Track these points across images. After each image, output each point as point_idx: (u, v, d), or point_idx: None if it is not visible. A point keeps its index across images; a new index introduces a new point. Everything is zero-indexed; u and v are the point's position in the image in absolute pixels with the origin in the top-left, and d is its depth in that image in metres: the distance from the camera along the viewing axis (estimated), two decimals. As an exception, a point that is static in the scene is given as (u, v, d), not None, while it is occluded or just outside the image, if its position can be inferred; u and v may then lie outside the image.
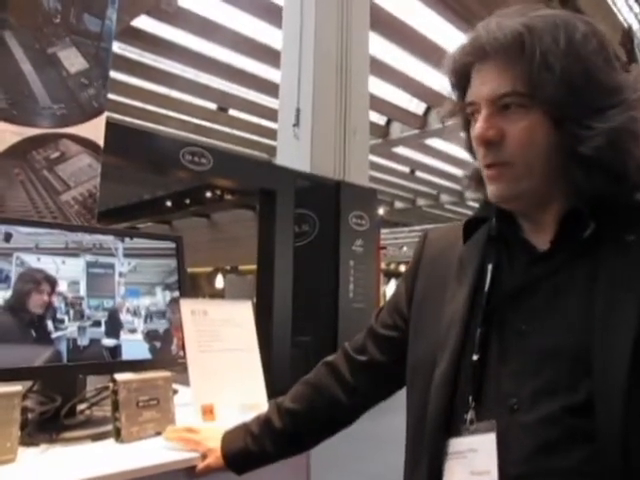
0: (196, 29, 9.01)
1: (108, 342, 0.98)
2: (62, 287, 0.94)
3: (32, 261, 0.92)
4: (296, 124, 6.79)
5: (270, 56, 9.10)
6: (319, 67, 6.84)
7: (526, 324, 0.60)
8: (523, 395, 0.57)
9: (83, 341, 0.95)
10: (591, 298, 0.56)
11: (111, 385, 0.88)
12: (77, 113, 1.58)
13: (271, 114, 10.03)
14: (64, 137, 1.55)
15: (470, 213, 0.74)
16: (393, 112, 12.24)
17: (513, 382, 0.58)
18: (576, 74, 0.56)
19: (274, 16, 8.10)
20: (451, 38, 8.98)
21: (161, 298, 1.08)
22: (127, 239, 1.06)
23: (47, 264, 0.93)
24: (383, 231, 12.84)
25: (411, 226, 18.51)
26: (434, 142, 13.46)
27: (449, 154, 13.70)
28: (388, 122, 12.99)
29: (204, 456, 0.83)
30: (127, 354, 1.00)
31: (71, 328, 0.94)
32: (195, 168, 5.32)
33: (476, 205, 0.74)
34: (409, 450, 0.69)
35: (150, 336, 1.04)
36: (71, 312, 0.94)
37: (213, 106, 12.16)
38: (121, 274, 1.03)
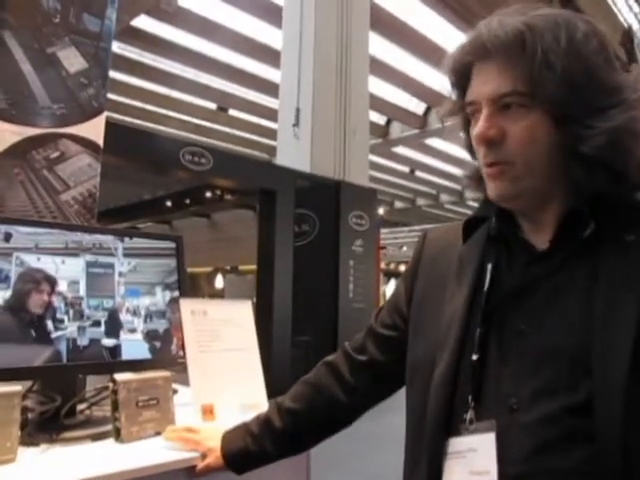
0: (196, 29, 9.01)
1: (108, 342, 0.98)
2: (62, 287, 0.94)
3: (32, 261, 0.92)
4: (296, 124, 6.79)
5: (270, 56, 9.10)
6: (319, 67, 6.84)
7: (526, 324, 0.60)
8: (523, 395, 0.57)
9: (83, 341, 0.95)
10: (591, 298, 0.56)
11: (111, 385, 0.88)
12: (77, 113, 1.58)
13: (271, 114, 10.04)
14: (64, 137, 1.55)
15: (470, 213, 0.74)
16: (393, 112, 12.24)
17: (513, 382, 0.58)
18: (577, 73, 0.56)
19: (274, 16, 8.10)
20: (451, 38, 8.98)
21: (161, 298, 1.07)
22: (127, 239, 1.06)
23: (47, 264, 0.93)
24: (383, 231, 12.84)
25: (411, 226, 18.52)
26: (434, 142, 13.47)
27: (449, 154, 13.70)
28: (388, 122, 13.00)
29: (204, 456, 0.83)
30: (127, 354, 1.00)
31: (71, 328, 0.94)
32: (195, 168, 5.32)
33: (476, 205, 0.74)
34: (409, 450, 0.69)
35: (150, 336, 1.04)
36: (71, 312, 0.94)
37: (213, 106, 12.17)
38: (121, 274, 1.03)
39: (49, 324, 0.91)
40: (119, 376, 0.89)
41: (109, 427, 0.90)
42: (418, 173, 16.32)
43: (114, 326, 0.99)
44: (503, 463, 0.56)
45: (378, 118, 12.38)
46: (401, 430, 0.70)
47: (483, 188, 0.66)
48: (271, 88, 9.56)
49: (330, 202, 6.42)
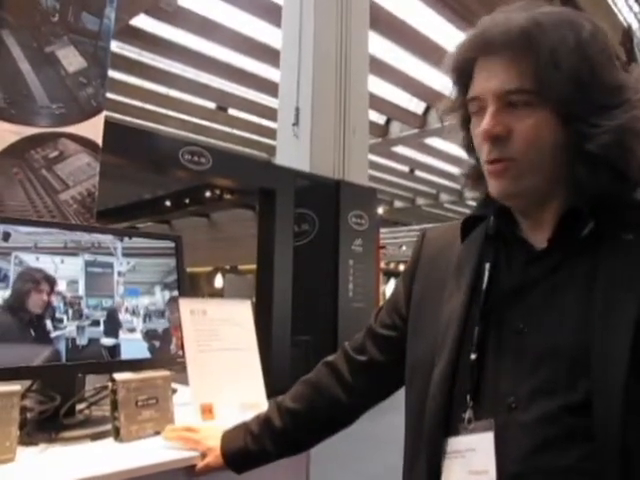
0: (195, 28, 9.00)
1: (107, 341, 0.98)
2: (61, 286, 0.94)
3: (31, 260, 0.91)
4: (295, 123, 6.79)
5: (269, 55, 9.09)
6: (319, 66, 6.84)
7: (524, 323, 0.60)
8: (521, 394, 0.57)
9: (82, 340, 0.95)
10: (590, 297, 0.56)
11: (110, 384, 0.88)
12: (76, 112, 1.58)
13: (271, 113, 10.03)
14: (63, 136, 1.55)
15: (469, 212, 0.74)
16: (393, 111, 12.24)
17: (511, 381, 0.58)
18: (583, 72, 0.56)
19: (273, 15, 8.09)
20: (451, 37, 8.97)
21: (160, 297, 1.07)
22: (126, 238, 1.06)
23: (46, 263, 0.93)
24: (382, 230, 12.84)
25: (410, 225, 18.51)
26: (433, 141, 13.46)
27: (449, 153, 13.70)
28: (388, 121, 12.99)
29: (203, 455, 0.83)
30: (126, 353, 1.00)
31: (70, 327, 0.94)
32: (194, 167, 5.32)
33: (475, 204, 0.73)
34: (407, 449, 0.69)
35: (149, 335, 1.04)
36: (70, 311, 0.94)
37: (212, 105, 12.16)
38: (120, 273, 1.03)
39: (48, 323, 0.91)
40: (118, 375, 0.89)
41: (108, 426, 0.90)
42: (418, 172, 16.31)
43: (113, 325, 0.99)
44: (502, 462, 0.56)
45: (378, 117, 12.37)
46: (401, 430, 0.70)
47: (481, 187, 0.66)
48: (271, 87, 9.55)
49: (330, 201, 6.42)
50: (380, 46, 9.42)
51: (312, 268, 6.22)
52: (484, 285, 0.64)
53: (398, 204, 19.14)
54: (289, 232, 5.98)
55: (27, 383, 0.94)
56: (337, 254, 6.33)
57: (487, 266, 0.65)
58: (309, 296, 6.05)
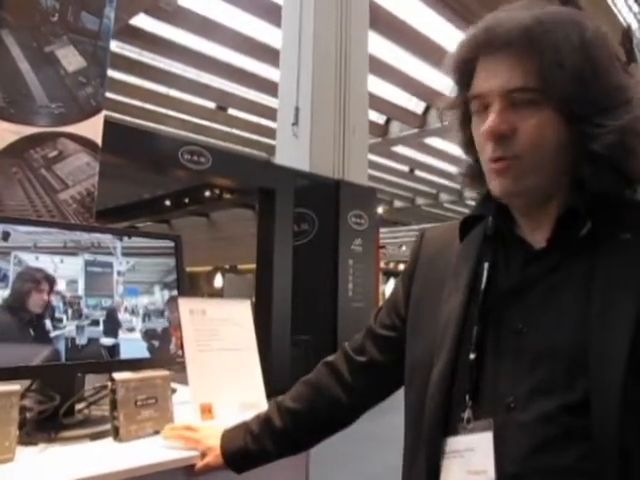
0: (195, 28, 9.00)
1: (106, 341, 0.98)
2: (60, 286, 0.94)
3: (30, 260, 0.91)
4: (295, 123, 6.78)
5: (269, 55, 9.09)
6: (318, 66, 6.83)
7: (523, 323, 0.60)
8: (519, 394, 0.57)
9: (81, 340, 0.95)
10: (588, 296, 0.56)
11: (109, 384, 0.88)
12: (75, 112, 1.58)
13: (270, 113, 10.03)
14: (62, 136, 1.55)
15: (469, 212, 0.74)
16: (392, 111, 12.23)
17: (510, 381, 0.58)
18: (587, 72, 0.56)
19: (273, 15, 8.09)
20: (450, 37, 8.98)
21: (159, 297, 1.07)
22: (125, 238, 1.05)
23: (45, 263, 0.93)
24: (382, 230, 12.84)
25: (410, 225, 18.52)
26: (433, 141, 13.46)
27: (448, 153, 13.69)
28: (387, 121, 12.99)
29: (203, 455, 0.83)
30: (125, 353, 1.00)
31: (69, 327, 0.94)
32: (194, 167, 5.32)
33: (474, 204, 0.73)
34: (407, 449, 0.69)
35: (148, 335, 1.04)
36: (69, 311, 0.94)
37: (212, 105, 12.15)
38: (119, 273, 1.03)
39: (48, 323, 0.91)
40: (118, 375, 0.88)
41: (108, 426, 0.90)
42: (417, 172, 16.32)
43: (113, 325, 0.99)
44: (500, 462, 0.56)
45: (377, 117, 12.37)
46: (400, 430, 0.70)
47: (479, 185, 0.66)
48: (270, 87, 9.55)
49: (329, 201, 6.42)
50: (380, 46, 9.42)
51: (312, 268, 6.22)
52: (483, 285, 0.64)
53: (398, 204, 19.14)
54: (289, 232, 5.98)
55: (26, 383, 0.94)
56: (337, 254, 6.33)
57: (486, 266, 0.65)
58: (309, 296, 6.05)
